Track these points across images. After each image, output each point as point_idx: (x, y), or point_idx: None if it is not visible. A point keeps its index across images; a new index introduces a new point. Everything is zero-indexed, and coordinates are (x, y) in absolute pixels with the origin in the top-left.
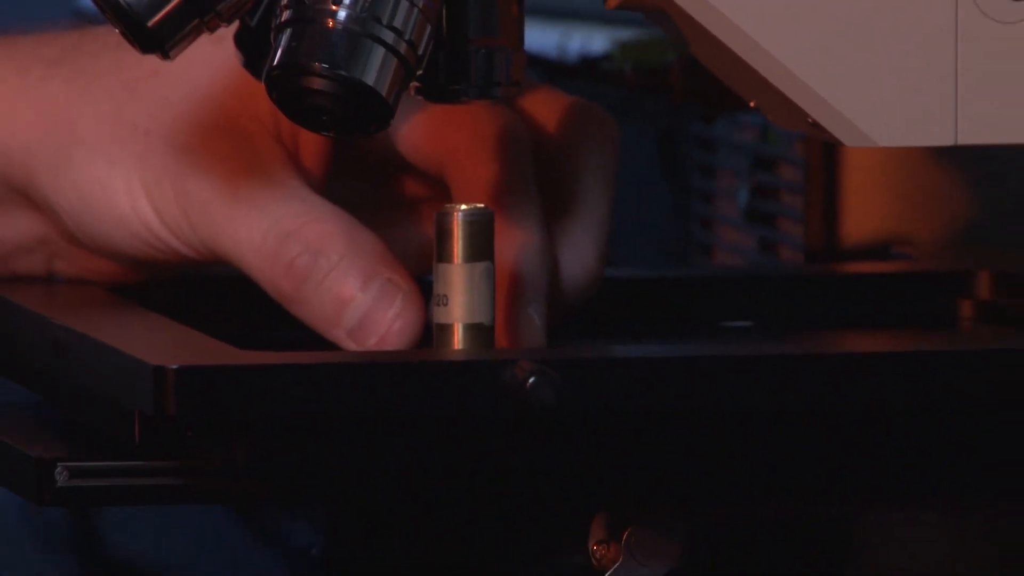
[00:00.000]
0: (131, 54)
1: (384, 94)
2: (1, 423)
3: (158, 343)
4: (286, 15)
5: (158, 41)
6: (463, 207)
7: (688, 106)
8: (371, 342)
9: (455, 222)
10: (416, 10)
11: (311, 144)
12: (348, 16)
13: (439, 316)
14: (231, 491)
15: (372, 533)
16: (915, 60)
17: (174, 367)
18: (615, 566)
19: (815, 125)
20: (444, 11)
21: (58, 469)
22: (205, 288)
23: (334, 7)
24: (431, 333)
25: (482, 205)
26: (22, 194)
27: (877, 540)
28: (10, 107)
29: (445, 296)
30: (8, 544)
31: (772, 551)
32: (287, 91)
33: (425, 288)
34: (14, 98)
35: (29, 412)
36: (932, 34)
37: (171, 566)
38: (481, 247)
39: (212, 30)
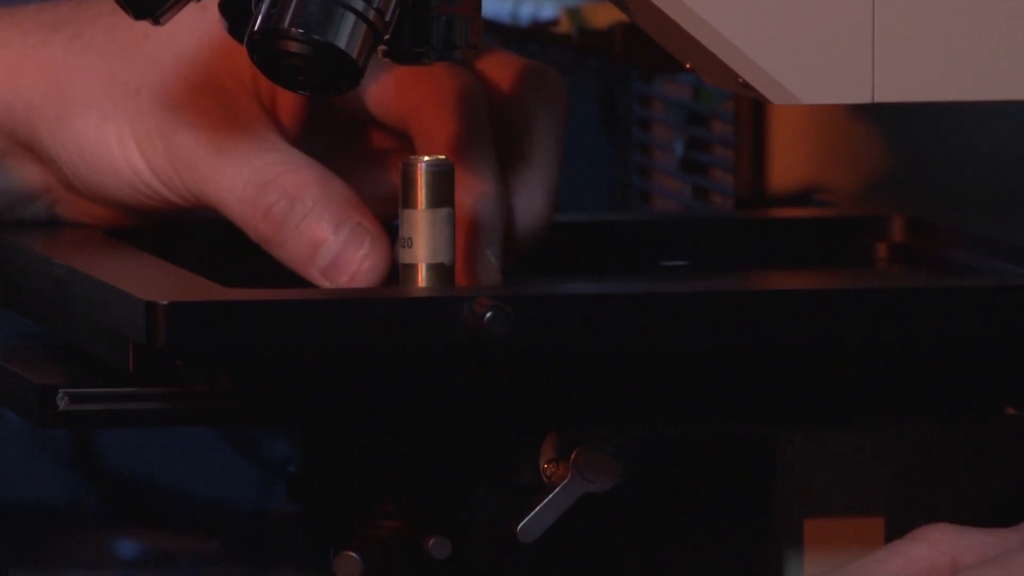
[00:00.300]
0: (124, 20)
1: (354, 56)
2: (7, 353)
3: (149, 281)
4: None
5: (149, 8)
6: (426, 158)
7: (628, 66)
8: (342, 280)
9: (419, 172)
10: None
11: (287, 101)
12: None
13: (404, 257)
14: (215, 414)
15: (343, 452)
16: (834, 24)
17: (164, 302)
18: (564, 482)
19: (744, 84)
20: None
21: (59, 395)
22: (192, 231)
23: None
24: (397, 272)
25: (443, 156)
26: (26, 147)
27: (801, 454)
28: (14, 68)
29: (410, 239)
30: (16, 460)
31: (707, 468)
32: (266, 54)
33: (391, 232)
34: (18, 60)
35: (33, 343)
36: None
37: (161, 478)
38: (442, 194)
39: None
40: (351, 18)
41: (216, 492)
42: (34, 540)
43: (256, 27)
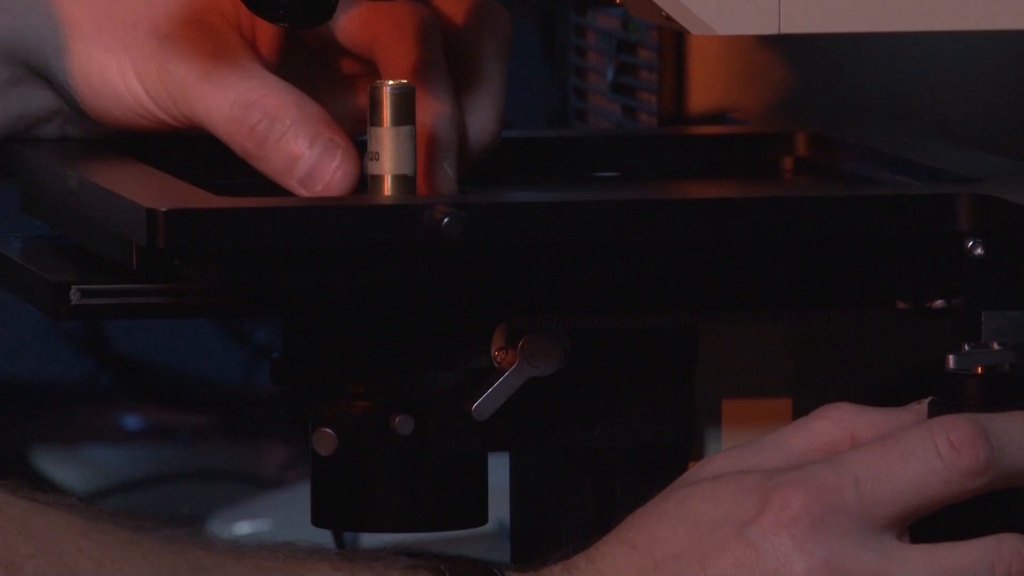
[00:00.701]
0: None
1: None
2: (27, 254)
3: (150, 190)
4: None
5: None
6: (390, 82)
7: (565, 0)
8: (317, 189)
9: (384, 94)
10: None
11: (266, 33)
12: None
13: (372, 169)
14: (209, 307)
15: (320, 340)
16: None
17: (163, 209)
18: (512, 367)
19: (667, 17)
20: None
21: (72, 290)
22: (184, 146)
23: None
24: (366, 182)
25: (404, 81)
26: (39, 75)
27: (719, 343)
28: (26, 6)
29: (377, 153)
30: (36, 347)
31: (637, 354)
32: None
33: (360, 147)
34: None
35: (49, 245)
36: None
37: (162, 363)
38: (405, 114)
39: None
40: None
41: (209, 374)
42: (52, 416)
43: None
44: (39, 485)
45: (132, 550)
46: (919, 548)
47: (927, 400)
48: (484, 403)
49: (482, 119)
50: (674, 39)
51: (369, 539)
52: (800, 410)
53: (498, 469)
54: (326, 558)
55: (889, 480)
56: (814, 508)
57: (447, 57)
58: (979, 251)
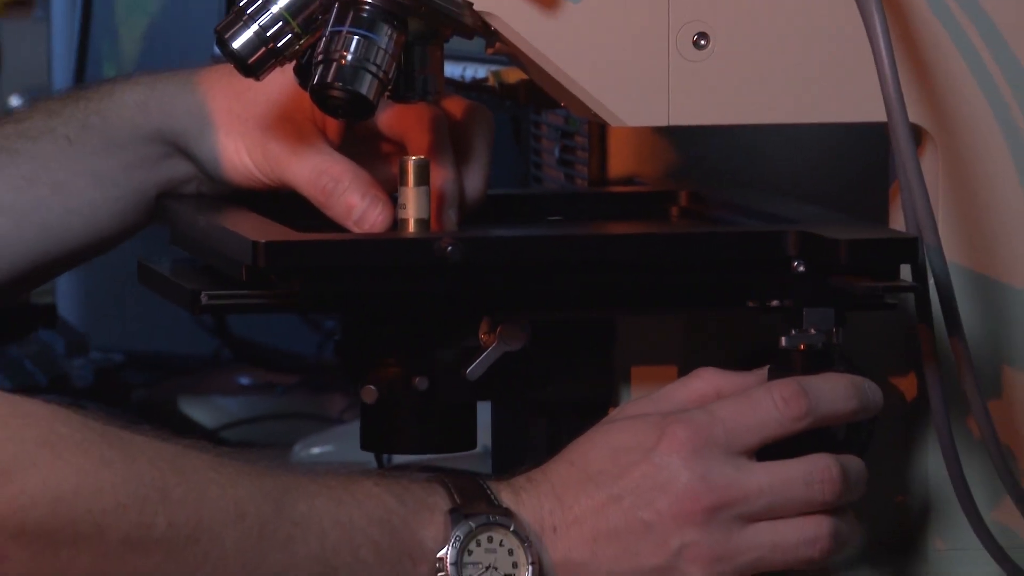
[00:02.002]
0: (239, 77)
1: (371, 99)
2: (174, 271)
3: (254, 228)
4: (319, 57)
5: (253, 70)
6: (413, 157)
7: (528, 105)
8: (365, 228)
9: (409, 165)
10: (388, 55)
11: (332, 124)
12: (353, 58)
13: (400, 214)
14: (293, 306)
15: (367, 328)
16: (644, 81)
17: (263, 241)
18: (492, 346)
19: (594, 114)
20: (402, 56)
21: (202, 295)
22: (278, 199)
23: (345, 53)
24: (397, 224)
25: (423, 156)
26: (183, 152)
27: (630, 328)
28: (177, 106)
29: (404, 205)
30: (181, 333)
31: (576, 336)
32: (320, 97)
33: (393, 200)
34: (173, 100)
35: (188, 266)
36: (652, 67)
37: (264, 342)
38: (422, 178)
39: (281, 65)
40: (369, 77)
41: (294, 349)
42: (191, 377)
43: (315, 81)
44: (183, 425)
45: (243, 477)
46: (763, 465)
47: (767, 367)
48: (475, 368)
49: (474, 182)
50: (599, 128)
51: (398, 459)
52: (683, 374)
53: (484, 412)
54: (370, 477)
55: (743, 421)
56: (693, 439)
57: (451, 141)
58: (801, 268)
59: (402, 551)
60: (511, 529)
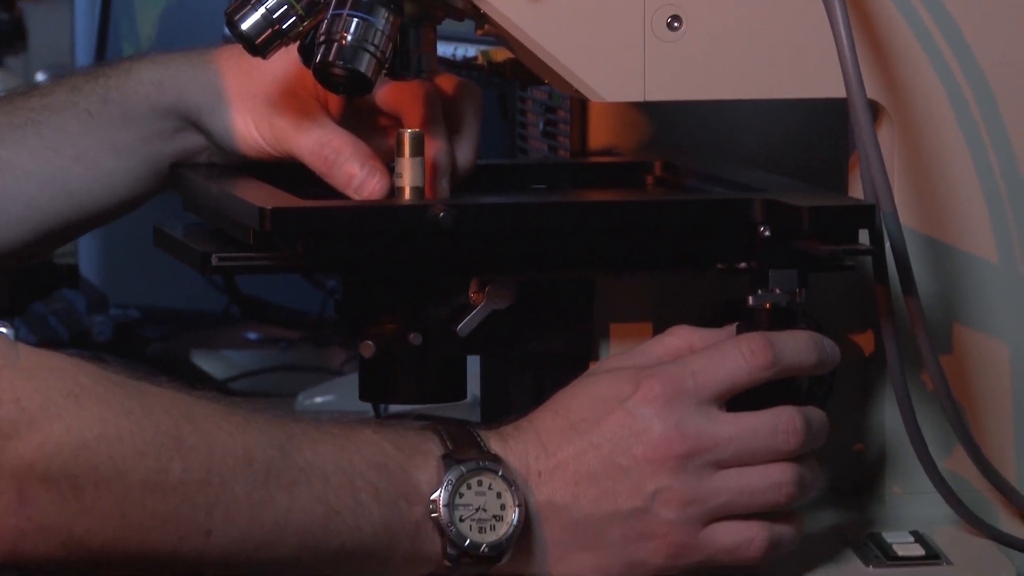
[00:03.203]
0: (247, 56)
1: (370, 76)
2: (186, 234)
3: (261, 195)
4: (321, 38)
5: (260, 49)
6: (409, 130)
7: (514, 81)
8: (364, 195)
9: (405, 137)
10: (385, 36)
11: (334, 100)
12: (352, 39)
13: (397, 183)
14: (297, 267)
15: (365, 287)
16: (621, 56)
17: (269, 207)
18: (481, 304)
19: (575, 90)
20: (398, 36)
21: (213, 257)
22: (284, 168)
23: (345, 34)
24: (394, 192)
25: (418, 129)
26: (195, 126)
27: (608, 288)
28: (189, 82)
29: (400, 174)
30: (194, 292)
31: (560, 296)
32: (323, 75)
33: (390, 170)
34: (192, 76)
35: (200, 229)
36: (629, 47)
37: (270, 299)
38: (418, 149)
39: (287, 45)
40: (368, 56)
41: (298, 307)
42: (203, 331)
43: (317, 60)
44: (195, 377)
45: (251, 425)
46: (732, 415)
47: (736, 324)
48: (465, 325)
49: (465, 153)
50: (580, 103)
51: (394, 409)
52: (658, 330)
53: (474, 365)
54: (368, 425)
55: (714, 373)
56: (667, 390)
57: (443, 115)
58: (767, 233)
59: (398, 493)
60: (499, 474)
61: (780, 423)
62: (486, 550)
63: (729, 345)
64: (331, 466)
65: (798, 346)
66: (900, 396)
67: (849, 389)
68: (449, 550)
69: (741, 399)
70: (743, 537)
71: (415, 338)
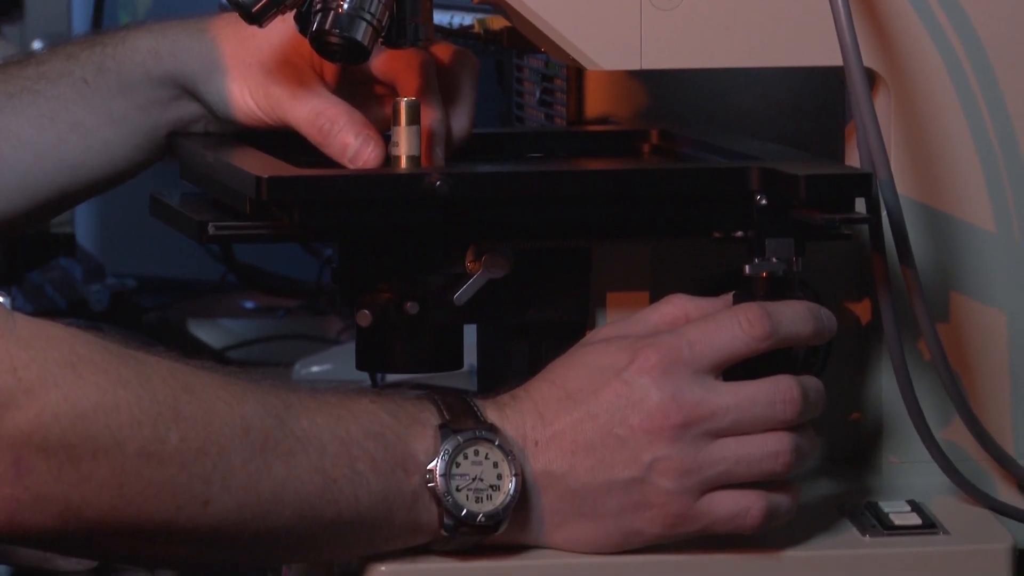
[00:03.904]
0: (243, 24)
1: (366, 44)
2: (183, 203)
3: (257, 164)
4: (318, 6)
5: (256, 18)
6: (404, 99)
7: (511, 49)
8: (359, 164)
9: (401, 106)
10: (382, 4)
11: (329, 68)
12: (349, 7)
13: (393, 151)
14: (293, 235)
15: (361, 255)
16: (617, 26)
17: (265, 176)
18: (478, 273)
19: (572, 59)
20: (395, 4)
21: (209, 226)
22: (279, 137)
23: (341, 2)
24: (390, 160)
25: (413, 98)
26: (192, 94)
27: (604, 256)
28: (186, 51)
29: (396, 143)
30: (190, 260)
31: (556, 264)
32: (319, 43)
33: (386, 139)
34: (188, 44)
35: (196, 198)
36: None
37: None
38: (413, 118)
39: (283, 13)
40: (364, 24)
41: (295, 275)
42: (200, 300)
43: (314, 28)
44: (192, 346)
45: (249, 395)
46: (729, 384)
47: (732, 293)
48: (462, 294)
49: (460, 122)
50: (576, 72)
51: (391, 378)
52: (655, 299)
53: (470, 334)
54: (365, 394)
55: (710, 342)
56: (664, 360)
57: (439, 84)
58: (763, 201)
59: (395, 463)
60: (496, 443)
61: (778, 392)
62: (483, 519)
63: (726, 315)
64: (328, 435)
65: (795, 316)
66: (897, 365)
67: (846, 358)
68: (446, 520)
69: (738, 369)
70: (740, 506)
71: (412, 307)
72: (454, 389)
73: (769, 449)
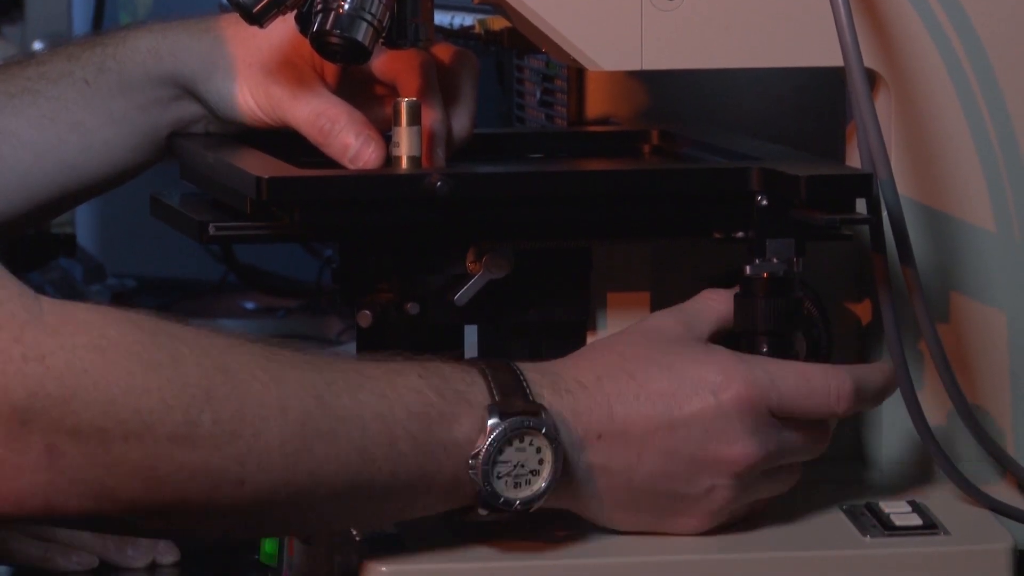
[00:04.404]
0: (243, 25)
1: (366, 45)
2: (183, 203)
3: (258, 164)
4: (319, 6)
5: (257, 18)
6: (405, 100)
7: (511, 49)
8: (360, 165)
9: (402, 107)
10: (382, 4)
11: (330, 68)
12: (349, 7)
13: (394, 152)
14: (294, 235)
15: (362, 255)
16: (617, 27)
17: (266, 176)
18: (479, 273)
19: (572, 59)
20: (395, 5)
21: (210, 226)
22: (280, 137)
23: (342, 3)
24: (390, 161)
25: (414, 99)
26: (192, 94)
27: (605, 257)
28: (186, 51)
29: (397, 143)
30: (190, 261)
31: (556, 265)
32: (319, 44)
33: (387, 139)
34: (189, 44)
35: (196, 199)
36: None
37: (268, 268)
38: (414, 119)
39: (283, 14)
40: (364, 24)
41: (295, 275)
42: (200, 300)
43: (315, 29)
44: None
45: (288, 372)
46: (794, 423)
47: (735, 290)
48: (463, 295)
49: (461, 122)
50: (577, 72)
51: None
52: (655, 300)
53: (471, 334)
54: (413, 368)
55: (798, 404)
56: (753, 398)
57: (440, 84)
58: (764, 202)
59: (437, 444)
60: (543, 431)
61: (829, 432)
62: (519, 505)
63: (821, 381)
64: (370, 414)
65: (879, 386)
66: (897, 365)
67: (846, 358)
68: (481, 504)
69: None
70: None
71: (412, 307)
72: (505, 361)
73: (793, 480)
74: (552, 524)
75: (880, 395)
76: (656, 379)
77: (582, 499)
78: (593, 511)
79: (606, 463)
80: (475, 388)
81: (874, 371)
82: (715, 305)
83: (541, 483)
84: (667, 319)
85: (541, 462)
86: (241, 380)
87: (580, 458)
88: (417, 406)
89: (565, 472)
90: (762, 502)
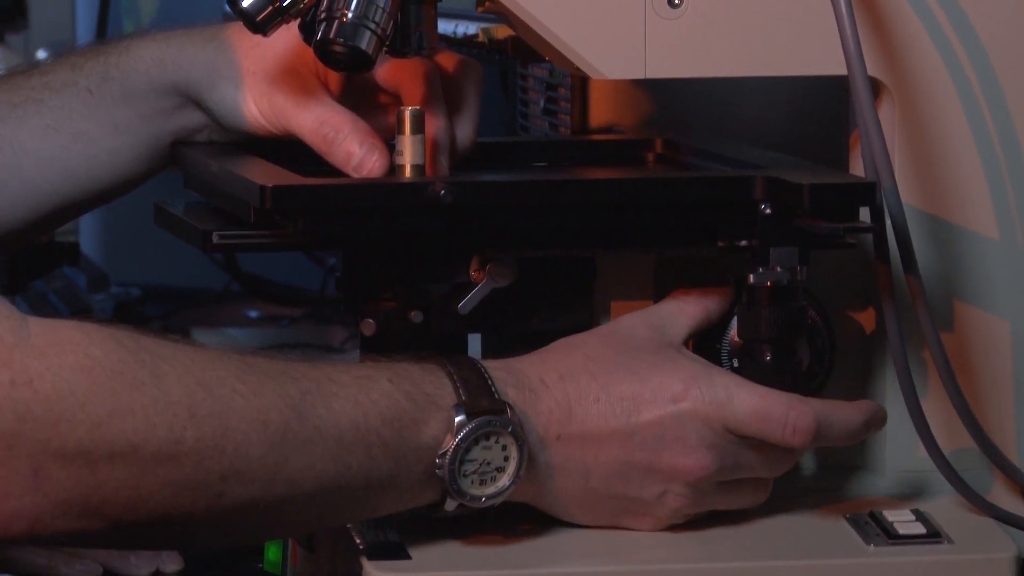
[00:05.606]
0: (247, 33)
1: (370, 54)
2: (187, 212)
3: (261, 173)
4: (322, 15)
5: (261, 27)
6: (409, 108)
7: (515, 58)
8: (363, 173)
9: (406, 115)
10: (386, 13)
11: (333, 77)
12: (353, 16)
13: (397, 160)
14: (298, 244)
15: (365, 264)
16: (623, 36)
17: (269, 185)
18: (482, 282)
19: (576, 68)
20: (399, 14)
21: (214, 235)
22: (284, 146)
23: (346, 11)
24: (394, 169)
25: (418, 107)
26: (196, 103)
27: (608, 266)
28: (189, 60)
29: (400, 152)
30: (195, 269)
31: (561, 273)
32: (323, 52)
33: (390, 148)
34: (192, 53)
35: (200, 207)
36: (630, 24)
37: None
38: (418, 127)
39: (287, 22)
40: (368, 33)
41: (299, 284)
42: (205, 309)
43: (318, 37)
44: None
45: (267, 385)
46: (752, 443)
47: (706, 289)
48: (466, 303)
49: (464, 131)
50: (581, 81)
51: None
52: None
53: (475, 343)
54: (383, 372)
55: (753, 426)
56: (712, 415)
57: (444, 93)
58: (768, 210)
59: (408, 448)
60: (509, 430)
61: (793, 457)
62: (484, 501)
63: (780, 412)
64: (345, 422)
65: (843, 429)
66: (901, 373)
67: (850, 367)
68: (449, 500)
69: (744, 373)
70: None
71: (416, 316)
72: (470, 359)
73: (759, 497)
74: (552, 525)
75: (854, 434)
76: (618, 383)
77: (543, 495)
78: (552, 507)
79: (564, 463)
80: (443, 390)
81: (850, 410)
82: (687, 307)
83: (506, 480)
84: (638, 322)
85: (507, 459)
86: (222, 395)
87: (540, 457)
88: (389, 412)
89: (528, 468)
90: (758, 494)
